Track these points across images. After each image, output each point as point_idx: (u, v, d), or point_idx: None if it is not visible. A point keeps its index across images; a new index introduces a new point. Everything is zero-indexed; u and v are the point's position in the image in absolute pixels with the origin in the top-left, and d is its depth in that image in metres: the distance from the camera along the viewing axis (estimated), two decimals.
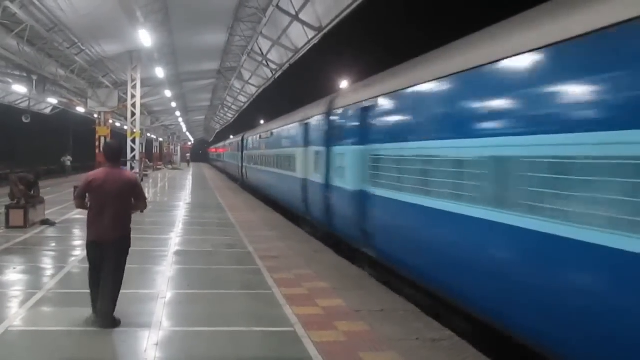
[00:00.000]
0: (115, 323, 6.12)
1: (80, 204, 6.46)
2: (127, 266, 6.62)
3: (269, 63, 25.55)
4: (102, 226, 6.18)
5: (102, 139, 25.38)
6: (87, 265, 6.57)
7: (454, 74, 6.85)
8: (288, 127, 18.25)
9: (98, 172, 6.42)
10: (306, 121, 15.17)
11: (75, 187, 15.93)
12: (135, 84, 24.06)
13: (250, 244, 11.96)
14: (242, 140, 34.45)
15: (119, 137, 33.24)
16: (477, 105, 6.41)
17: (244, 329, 6.27)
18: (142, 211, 6.80)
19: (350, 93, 12.23)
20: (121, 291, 6.36)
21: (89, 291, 6.34)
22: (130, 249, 6.60)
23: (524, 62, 5.43)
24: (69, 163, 40.88)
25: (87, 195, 6.33)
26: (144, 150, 39.41)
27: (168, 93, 30.12)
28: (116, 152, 6.68)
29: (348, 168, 10.89)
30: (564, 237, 4.63)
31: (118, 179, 6.27)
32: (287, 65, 23.79)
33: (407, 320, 6.76)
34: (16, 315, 6.60)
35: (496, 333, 6.21)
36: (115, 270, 6.23)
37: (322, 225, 13.13)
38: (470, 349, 5.89)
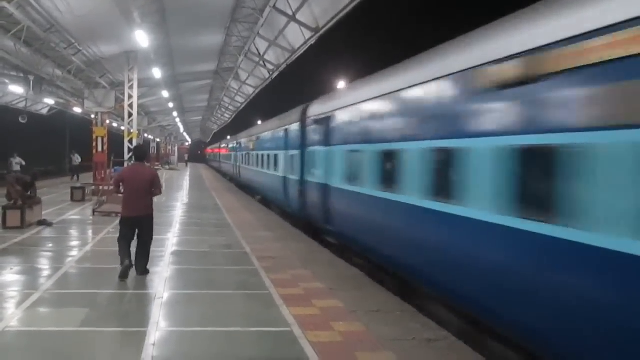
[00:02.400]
0: (147, 272, 8.75)
1: (117, 191, 8.90)
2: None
3: (266, 63, 25.55)
4: (133, 206, 8.54)
5: (100, 140, 25.33)
6: (84, 266, 9.34)
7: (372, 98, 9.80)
8: (272, 132, 21.24)
9: (127, 169, 9.26)
10: (285, 127, 18.04)
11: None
12: (132, 85, 23.99)
13: (247, 244, 11.97)
14: (236, 141, 37.56)
15: (116, 138, 33.26)
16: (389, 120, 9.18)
17: (241, 330, 6.28)
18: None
19: (317, 105, 14.56)
20: (118, 292, 7.84)
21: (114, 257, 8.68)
22: None
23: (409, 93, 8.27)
24: (18, 167, 28.64)
25: (121, 184, 8.62)
26: None
27: (165, 94, 30.08)
28: (142, 152, 9.32)
29: (317, 166, 13.46)
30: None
31: (142, 173, 8.71)
32: (284, 66, 23.78)
33: (404, 321, 6.78)
34: (13, 315, 6.59)
35: (492, 333, 6.23)
36: (148, 238, 8.78)
37: (298, 214, 15.76)
38: (467, 349, 5.92)
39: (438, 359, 5.59)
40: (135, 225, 8.60)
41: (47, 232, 13.14)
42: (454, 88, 6.88)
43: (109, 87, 25.80)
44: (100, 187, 20.56)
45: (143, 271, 8.72)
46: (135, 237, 8.74)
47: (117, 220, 14.99)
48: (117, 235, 8.77)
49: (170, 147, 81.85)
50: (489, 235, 5.84)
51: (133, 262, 8.56)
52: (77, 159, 35.12)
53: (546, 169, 4.95)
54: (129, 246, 8.59)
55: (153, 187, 8.67)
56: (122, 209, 8.66)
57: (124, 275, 8.32)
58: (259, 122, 38.75)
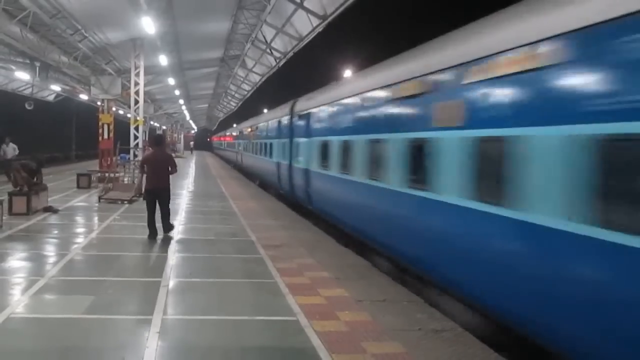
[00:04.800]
0: (170, 229, 11.31)
1: (141, 171, 11.31)
2: (129, 254, 9.67)
3: (273, 51, 25.40)
4: (154, 182, 10.91)
5: (106, 127, 25.28)
6: (89, 253, 9.66)
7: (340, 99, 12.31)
8: (267, 123, 24.26)
9: (149, 153, 11.71)
10: (278, 119, 20.84)
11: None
12: (138, 72, 23.88)
13: (253, 232, 11.94)
14: (239, 131, 41.50)
15: (123, 125, 33.15)
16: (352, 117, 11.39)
17: (247, 318, 6.25)
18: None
19: (301, 102, 17.28)
20: (124, 279, 7.86)
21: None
22: (133, 237, 11.04)
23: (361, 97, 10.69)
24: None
25: (145, 165, 11.10)
26: (146, 139, 39.01)
27: (171, 81, 29.96)
28: (159, 140, 11.89)
29: (300, 153, 16.02)
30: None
31: (161, 156, 11.22)
32: (291, 54, 23.63)
33: (410, 311, 6.74)
34: (18, 302, 6.60)
35: (498, 324, 6.19)
36: (166, 205, 11.19)
37: (288, 194, 18.15)
38: (473, 340, 5.87)
39: (444, 350, 5.54)
40: (156, 195, 10.98)
41: (52, 219, 13.16)
42: (384, 96, 9.38)
43: (115, 74, 25.70)
44: (106, 174, 20.55)
45: (166, 231, 11.19)
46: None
47: (123, 208, 15.17)
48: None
49: (176, 135, 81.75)
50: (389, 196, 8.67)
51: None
52: (12, 150, 23.58)
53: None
54: (154, 214, 11.00)
55: (169, 166, 11.12)
56: (145, 183, 11.10)
57: (152, 237, 10.86)
58: (265, 110, 38.90)
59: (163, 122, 62.17)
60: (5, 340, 5.45)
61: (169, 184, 11.25)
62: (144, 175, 11.25)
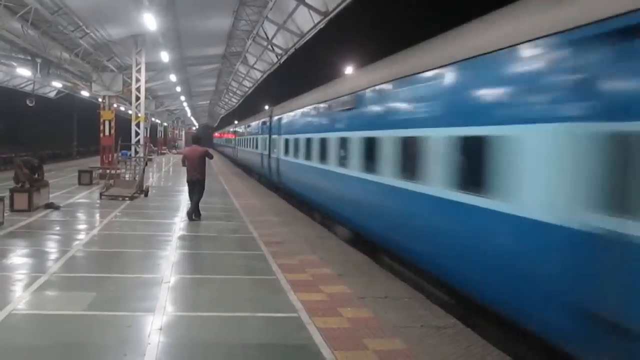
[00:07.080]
0: (197, 218, 13.03)
1: (184, 164, 13.28)
2: (131, 250, 9.82)
3: (274, 48, 25.36)
4: (193, 173, 13.12)
5: (107, 123, 25.27)
6: (91, 250, 9.70)
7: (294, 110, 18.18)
8: (255, 123, 30.42)
9: (188, 149, 14.01)
10: (262, 120, 26.51)
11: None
12: (139, 68, 23.88)
13: (255, 229, 11.94)
14: (234, 129, 46.85)
15: (124, 122, 33.16)
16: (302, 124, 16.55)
17: (248, 315, 6.24)
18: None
19: (276, 108, 22.87)
20: (125, 275, 7.93)
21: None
22: (134, 234, 11.27)
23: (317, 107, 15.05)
24: None
25: (185, 159, 13.23)
26: (148, 135, 38.91)
27: (173, 77, 29.96)
28: (197, 137, 15.04)
29: (275, 146, 21.23)
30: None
31: (197, 150, 13.29)
32: (292, 50, 23.60)
33: (412, 308, 6.73)
34: (20, 298, 6.59)
35: (500, 321, 6.18)
36: (199, 194, 13.19)
37: (267, 177, 23.87)
38: (475, 337, 5.86)
39: (446, 346, 5.53)
40: (194, 184, 13.12)
41: (54, 215, 13.16)
42: (325, 108, 13.68)
43: (117, 70, 25.71)
44: (108, 171, 20.54)
45: (194, 218, 12.94)
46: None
47: (124, 205, 15.22)
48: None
49: (177, 132, 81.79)
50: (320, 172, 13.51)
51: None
52: None
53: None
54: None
55: (206, 156, 13.32)
56: (186, 175, 13.33)
57: (189, 218, 12.88)
58: (266, 107, 39.04)
59: (164, 119, 62.17)
60: (7, 336, 5.44)
61: (204, 176, 13.34)
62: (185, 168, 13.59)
